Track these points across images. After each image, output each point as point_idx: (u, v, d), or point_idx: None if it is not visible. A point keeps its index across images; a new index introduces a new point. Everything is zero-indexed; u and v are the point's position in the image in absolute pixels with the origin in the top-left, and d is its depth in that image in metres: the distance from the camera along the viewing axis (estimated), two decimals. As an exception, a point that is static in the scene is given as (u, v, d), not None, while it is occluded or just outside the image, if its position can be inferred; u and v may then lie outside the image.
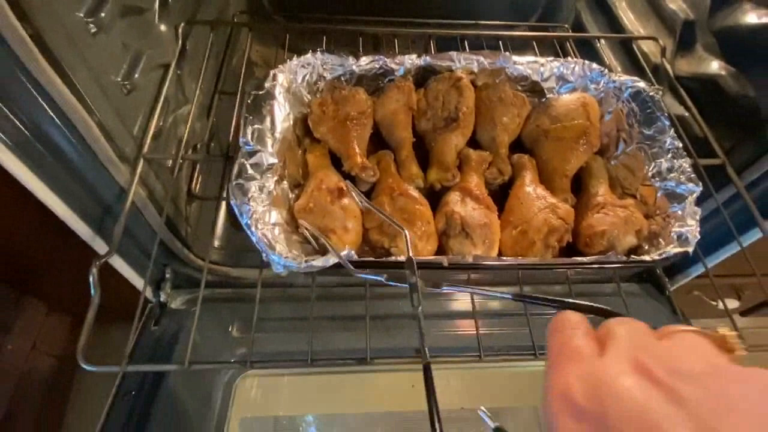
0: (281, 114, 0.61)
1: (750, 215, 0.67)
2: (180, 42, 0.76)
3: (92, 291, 0.53)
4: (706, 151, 0.72)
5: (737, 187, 0.68)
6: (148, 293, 0.82)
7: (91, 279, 0.52)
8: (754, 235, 0.72)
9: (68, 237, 0.65)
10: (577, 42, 1.07)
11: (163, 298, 0.82)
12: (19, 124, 0.50)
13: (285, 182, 0.59)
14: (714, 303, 1.13)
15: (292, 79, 0.65)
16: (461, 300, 0.76)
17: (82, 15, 0.52)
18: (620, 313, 0.29)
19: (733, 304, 1.17)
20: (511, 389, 0.82)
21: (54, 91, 0.49)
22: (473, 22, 1.17)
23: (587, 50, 1.07)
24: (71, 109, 0.52)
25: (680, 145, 0.61)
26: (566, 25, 1.21)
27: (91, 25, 0.53)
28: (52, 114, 0.51)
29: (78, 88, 0.51)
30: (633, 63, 0.93)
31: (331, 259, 0.49)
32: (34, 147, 0.53)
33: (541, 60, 0.70)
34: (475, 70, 0.69)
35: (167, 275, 0.82)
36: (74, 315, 1.20)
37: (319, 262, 0.48)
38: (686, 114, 0.78)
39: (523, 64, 0.70)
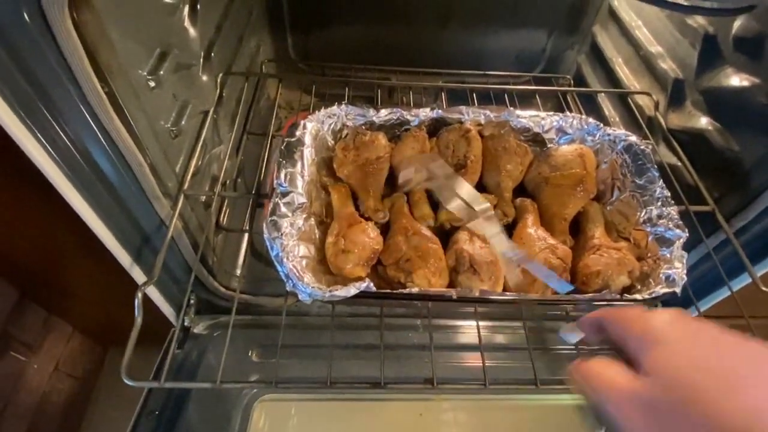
0: (309, 158, 0.68)
1: (740, 260, 0.71)
2: (218, 90, 0.85)
3: (136, 314, 0.59)
4: (697, 199, 0.78)
5: (726, 233, 0.74)
6: (172, 317, 0.88)
7: (136, 303, 0.58)
8: (744, 279, 0.76)
9: (103, 263, 0.71)
10: (578, 93, 1.16)
11: (187, 323, 0.87)
12: (79, 157, 0.57)
13: (312, 219, 0.66)
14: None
15: (320, 128, 0.73)
16: (468, 333, 0.81)
17: (145, 73, 0.61)
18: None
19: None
20: (517, 423, 0.85)
21: (117, 136, 0.57)
22: (481, 72, 1.27)
23: (588, 100, 1.16)
24: (129, 152, 0.59)
25: (668, 194, 0.67)
26: (568, 76, 1.30)
27: (151, 81, 0.62)
28: (111, 154, 0.58)
29: (137, 134, 0.59)
30: (629, 115, 1.00)
31: (352, 290, 0.54)
32: (91, 180, 0.60)
33: (542, 114, 0.78)
34: (482, 122, 0.77)
35: (191, 301, 0.88)
36: (95, 338, 1.26)
37: (341, 292, 0.54)
38: (678, 164, 0.84)
39: (526, 117, 0.78)
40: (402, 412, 0.76)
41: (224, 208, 0.94)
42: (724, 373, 0.24)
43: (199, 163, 0.78)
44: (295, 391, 0.71)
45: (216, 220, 0.92)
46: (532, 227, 0.68)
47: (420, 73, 1.25)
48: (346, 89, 0.92)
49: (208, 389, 0.77)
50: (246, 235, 1.02)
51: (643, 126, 0.92)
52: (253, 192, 0.77)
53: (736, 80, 0.76)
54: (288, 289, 0.58)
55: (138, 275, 0.73)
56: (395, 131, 0.78)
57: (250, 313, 0.91)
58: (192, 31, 0.74)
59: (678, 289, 0.58)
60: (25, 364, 1.02)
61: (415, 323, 0.80)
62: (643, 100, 0.98)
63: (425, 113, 0.76)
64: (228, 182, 0.95)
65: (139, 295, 0.59)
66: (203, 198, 0.81)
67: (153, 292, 0.79)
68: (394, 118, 0.76)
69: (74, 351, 1.18)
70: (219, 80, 0.86)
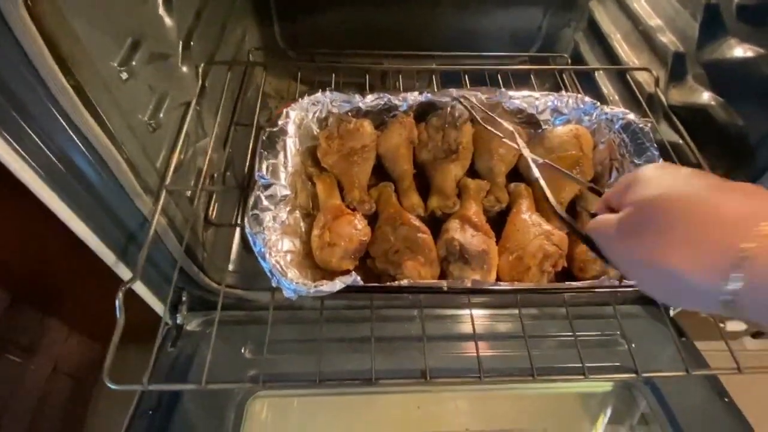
0: (293, 148, 0.66)
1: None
2: (200, 81, 0.82)
3: (117, 314, 0.57)
4: (699, 178, 0.75)
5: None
6: (166, 316, 0.86)
7: (117, 303, 0.57)
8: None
9: (92, 262, 0.69)
10: (576, 72, 1.12)
11: (179, 320, 0.86)
12: (54, 158, 0.55)
13: (297, 212, 0.64)
14: (722, 325, 1.14)
15: (304, 116, 0.70)
16: (463, 323, 0.79)
17: (115, 64, 0.58)
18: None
19: (740, 326, 1.17)
20: (514, 413, 0.84)
21: (89, 132, 0.55)
22: (476, 53, 1.23)
23: (585, 80, 1.12)
24: (103, 148, 0.57)
25: (669, 174, 0.64)
26: (565, 55, 1.26)
27: (123, 73, 0.59)
28: (85, 150, 0.56)
29: (110, 129, 0.57)
30: (629, 92, 0.97)
31: (338, 285, 0.52)
32: (67, 179, 0.58)
33: (536, 94, 0.75)
34: (468, 100, 0.74)
35: (183, 298, 0.87)
36: (93, 337, 1.25)
37: (326, 287, 0.52)
38: (680, 141, 0.81)
39: (519, 98, 0.74)
40: (398, 406, 0.75)
41: (213, 203, 0.92)
42: (683, 194, 0.30)
43: (182, 157, 0.75)
44: (277, 387, 0.69)
45: (205, 214, 0.90)
46: (526, 213, 0.65)
47: (412, 57, 1.21)
48: (334, 76, 0.89)
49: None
50: (237, 230, 1.00)
51: (643, 103, 0.89)
52: (241, 185, 0.75)
53: (740, 51, 0.73)
54: (273, 284, 0.56)
55: (124, 273, 0.72)
56: (383, 117, 0.75)
57: (243, 309, 0.89)
58: (168, 20, 0.71)
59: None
60: (22, 367, 1.02)
61: (410, 314, 0.78)
62: (642, 77, 0.95)
63: (413, 97, 0.73)
64: (216, 175, 0.92)
65: (120, 294, 0.57)
66: (188, 193, 0.79)
67: (143, 290, 0.78)
68: (381, 103, 0.73)
69: (72, 351, 1.18)
70: (201, 70, 0.83)
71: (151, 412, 0.75)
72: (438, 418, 0.75)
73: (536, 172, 0.49)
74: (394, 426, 0.75)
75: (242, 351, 0.81)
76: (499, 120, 0.62)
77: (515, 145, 0.54)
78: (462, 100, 0.65)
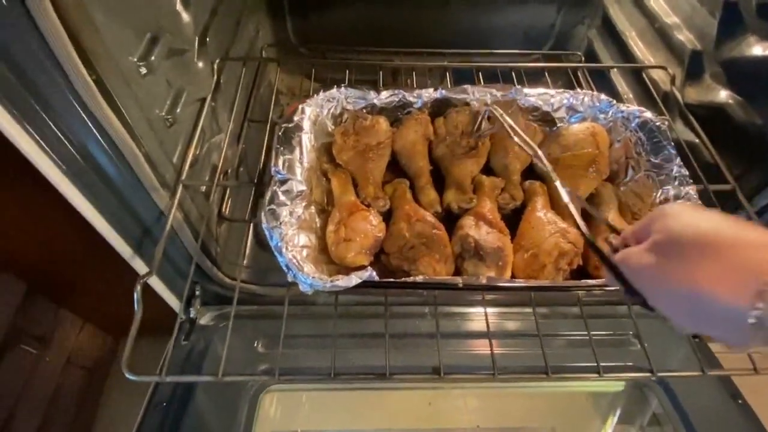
0: (308, 144, 0.66)
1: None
2: (215, 77, 0.83)
3: (135, 307, 0.58)
4: (716, 178, 0.74)
5: (748, 213, 0.70)
6: (178, 309, 0.87)
7: (135, 296, 0.57)
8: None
9: (108, 255, 0.70)
10: (590, 70, 1.11)
11: (192, 314, 0.86)
12: (74, 151, 0.56)
13: (312, 207, 0.64)
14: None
15: (318, 112, 0.70)
16: (477, 320, 0.79)
17: (135, 59, 0.58)
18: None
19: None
20: (527, 411, 0.84)
21: (108, 125, 0.55)
22: (488, 51, 1.22)
23: (600, 78, 1.11)
24: (122, 141, 0.57)
25: (686, 172, 0.64)
26: (579, 53, 1.25)
27: (143, 68, 0.60)
28: (104, 144, 0.57)
29: (129, 123, 0.57)
30: (644, 91, 0.96)
31: (354, 280, 0.52)
32: (86, 172, 0.59)
33: (551, 92, 0.74)
34: (489, 101, 0.73)
35: (197, 292, 0.87)
36: (106, 330, 1.27)
37: (342, 282, 0.52)
38: (696, 141, 0.80)
39: (534, 95, 0.74)
40: (411, 401, 0.75)
41: (226, 198, 0.93)
42: (711, 224, 0.31)
43: (197, 152, 0.76)
44: (299, 382, 0.70)
45: (218, 210, 0.91)
46: (541, 211, 0.65)
47: (424, 54, 1.20)
48: (346, 72, 0.89)
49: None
50: (251, 225, 1.01)
51: (659, 102, 0.88)
52: (255, 181, 0.75)
53: (759, 49, 0.72)
54: (289, 279, 0.56)
55: (140, 267, 0.72)
56: (397, 114, 0.75)
57: (256, 303, 0.89)
58: (185, 15, 0.71)
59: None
60: (37, 357, 1.03)
61: (423, 311, 0.78)
62: (658, 75, 0.94)
63: (428, 94, 0.73)
64: (230, 171, 0.93)
65: (138, 287, 0.58)
66: (203, 188, 0.79)
67: (157, 284, 0.79)
68: (396, 100, 0.73)
69: (85, 343, 1.19)
70: (216, 66, 0.83)
71: (165, 405, 0.76)
72: (449, 415, 0.76)
73: (566, 197, 0.48)
74: (405, 422, 0.76)
75: (255, 345, 0.81)
76: (525, 138, 0.60)
77: (543, 165, 0.53)
78: (493, 110, 0.64)
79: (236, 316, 0.87)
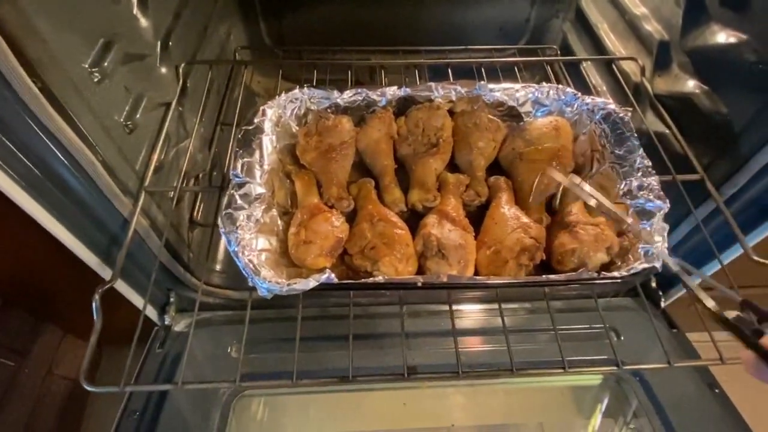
0: (270, 147, 0.65)
1: (731, 230, 0.67)
2: (181, 81, 0.82)
3: (95, 316, 0.57)
4: (686, 169, 0.74)
5: (716, 202, 0.70)
6: (154, 316, 0.86)
7: (93, 305, 0.57)
8: (737, 250, 0.73)
9: (78, 265, 0.70)
10: (565, 63, 1.11)
11: (167, 321, 0.86)
12: (29, 163, 0.55)
13: (274, 210, 0.63)
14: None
15: (281, 113, 0.70)
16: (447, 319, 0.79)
17: (86, 66, 0.58)
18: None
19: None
20: (504, 406, 0.84)
21: (61, 135, 0.54)
22: (464, 47, 1.21)
23: (574, 71, 1.11)
24: (77, 150, 0.57)
25: (649, 163, 0.64)
26: (555, 46, 1.24)
27: (96, 74, 0.59)
28: (59, 154, 0.56)
29: (83, 131, 0.57)
30: (616, 82, 0.95)
31: (311, 283, 0.52)
32: (44, 184, 0.58)
33: (516, 86, 0.74)
34: (453, 98, 0.73)
35: (171, 299, 0.87)
36: (88, 340, 1.26)
37: (299, 285, 0.52)
38: (666, 131, 0.80)
39: (499, 90, 0.73)
40: (385, 403, 0.75)
41: (198, 203, 0.92)
42: None
43: (162, 157, 0.75)
44: (261, 388, 0.69)
45: (190, 215, 0.90)
46: (505, 206, 0.65)
47: (400, 52, 1.20)
48: (316, 72, 0.89)
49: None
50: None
51: (629, 93, 0.87)
52: (221, 185, 0.75)
53: (723, 37, 0.71)
54: (249, 283, 0.56)
55: (108, 275, 0.72)
56: (362, 113, 0.74)
57: (231, 308, 0.89)
58: (143, 20, 0.71)
59: (658, 264, 0.54)
60: (16, 370, 1.02)
61: (394, 311, 0.77)
62: (629, 66, 0.93)
63: (392, 92, 0.73)
64: (201, 176, 0.92)
65: (97, 297, 0.57)
66: (171, 193, 0.79)
67: (128, 292, 0.78)
68: (360, 99, 0.73)
69: (67, 353, 1.18)
70: (181, 70, 0.82)
71: (138, 413, 0.75)
72: (425, 415, 0.75)
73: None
74: (380, 423, 0.75)
75: (229, 351, 0.81)
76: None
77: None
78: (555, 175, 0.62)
79: (213, 321, 0.88)
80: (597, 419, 0.89)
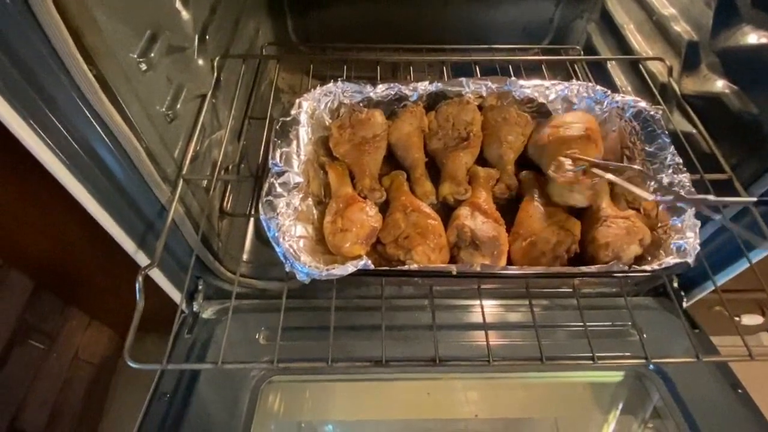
0: (305, 138, 0.67)
1: (760, 230, 0.68)
2: (215, 74, 0.84)
3: (137, 297, 0.59)
4: (713, 167, 0.74)
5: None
6: (183, 304, 0.89)
7: (137, 286, 0.59)
8: (766, 250, 0.73)
9: (113, 250, 0.72)
10: (588, 63, 1.12)
11: (195, 308, 0.88)
12: (77, 147, 0.57)
13: (309, 199, 0.65)
14: (737, 319, 1.12)
15: (316, 106, 0.71)
16: (475, 312, 0.80)
17: (135, 56, 0.60)
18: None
19: (756, 320, 1.15)
20: (526, 401, 0.84)
21: (110, 121, 0.56)
22: (487, 46, 1.22)
23: (598, 71, 1.11)
24: (124, 136, 0.59)
25: (680, 160, 0.64)
26: (578, 47, 1.25)
27: (143, 64, 0.61)
28: (107, 139, 0.58)
29: (130, 119, 0.59)
30: (642, 83, 0.96)
31: (349, 268, 0.54)
32: (90, 168, 0.60)
33: (546, 83, 0.75)
34: (484, 94, 0.74)
35: (200, 287, 0.89)
36: (112, 326, 1.29)
37: (338, 270, 0.53)
38: (694, 131, 0.80)
39: (530, 87, 0.75)
40: (409, 392, 0.76)
41: (228, 194, 0.94)
42: None
43: (198, 147, 0.77)
44: (296, 372, 0.71)
45: (220, 205, 0.92)
46: (538, 200, 0.65)
47: (424, 50, 1.21)
48: (345, 68, 0.90)
49: (217, 372, 0.77)
50: (252, 220, 1.02)
51: (656, 93, 0.88)
52: (255, 175, 0.76)
53: (755, 38, 0.72)
54: (287, 269, 0.57)
55: (143, 261, 0.74)
56: (394, 107, 0.76)
57: (258, 297, 0.91)
58: (184, 13, 0.73)
59: (690, 260, 0.55)
60: (45, 353, 1.05)
61: (421, 303, 0.79)
62: (655, 67, 0.94)
63: (424, 87, 0.74)
64: (230, 167, 0.94)
65: (140, 278, 0.59)
66: (204, 183, 0.81)
67: (160, 278, 0.80)
68: (392, 93, 0.74)
69: (92, 339, 1.21)
70: (216, 64, 0.85)
71: (168, 396, 0.77)
72: (448, 405, 0.76)
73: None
74: (404, 411, 0.76)
75: (257, 337, 0.83)
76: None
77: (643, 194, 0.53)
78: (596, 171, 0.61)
79: (239, 309, 0.90)
80: (614, 416, 0.90)
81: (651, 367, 0.77)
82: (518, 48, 1.25)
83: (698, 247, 0.56)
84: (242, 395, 0.75)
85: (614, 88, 1.04)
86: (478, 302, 0.65)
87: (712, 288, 0.87)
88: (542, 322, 0.64)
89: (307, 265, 0.54)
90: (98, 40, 0.52)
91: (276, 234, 0.56)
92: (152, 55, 0.62)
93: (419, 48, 1.20)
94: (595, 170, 0.59)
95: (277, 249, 0.56)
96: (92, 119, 0.55)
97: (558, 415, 0.85)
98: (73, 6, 0.48)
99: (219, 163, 0.82)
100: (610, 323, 0.83)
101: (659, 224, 0.61)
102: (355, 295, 0.84)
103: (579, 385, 0.85)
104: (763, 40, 0.70)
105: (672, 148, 0.65)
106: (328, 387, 0.78)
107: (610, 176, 0.57)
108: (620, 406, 0.89)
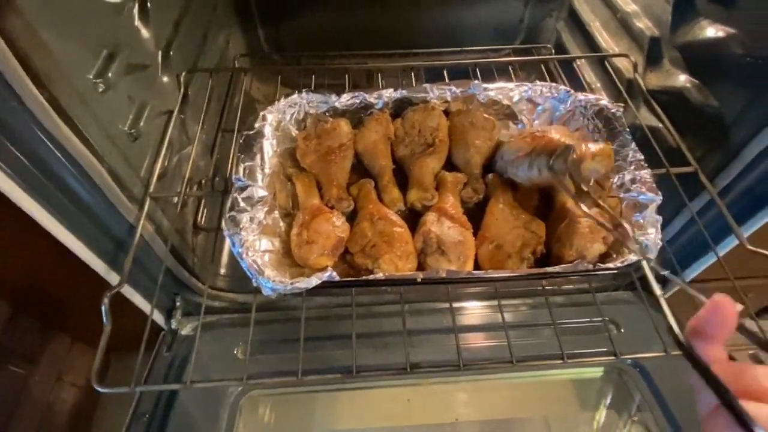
0: (270, 150, 0.67)
1: (725, 222, 0.69)
2: (182, 89, 0.84)
3: (104, 319, 0.58)
4: (680, 162, 0.75)
5: (710, 193, 0.71)
6: (160, 321, 0.88)
7: (103, 309, 0.58)
8: (732, 242, 0.74)
9: (85, 272, 0.71)
10: (560, 61, 1.13)
11: (174, 325, 0.87)
12: (37, 172, 0.57)
13: (276, 212, 0.65)
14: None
15: (281, 118, 0.71)
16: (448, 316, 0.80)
17: (91, 77, 0.59)
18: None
19: (737, 306, 1.16)
20: (508, 401, 0.85)
21: (68, 144, 0.56)
22: (459, 49, 1.23)
23: (569, 69, 1.12)
24: (84, 159, 0.58)
25: (641, 157, 0.65)
26: (549, 45, 1.26)
27: (100, 85, 0.61)
28: (66, 163, 0.58)
29: (89, 140, 0.58)
30: (610, 79, 0.97)
31: (314, 281, 0.53)
32: (51, 192, 0.59)
33: (510, 85, 0.75)
34: (449, 98, 0.75)
35: (178, 304, 0.88)
36: (96, 347, 1.27)
37: (302, 284, 0.53)
38: (660, 125, 0.81)
39: (494, 89, 0.75)
40: (389, 400, 0.76)
41: (201, 209, 0.93)
42: None
43: (166, 164, 0.77)
44: (268, 386, 0.71)
45: (194, 220, 0.92)
46: (504, 202, 0.66)
47: (397, 55, 1.22)
48: (314, 77, 0.90)
49: (195, 390, 0.77)
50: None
51: (623, 89, 0.89)
52: (224, 190, 0.76)
53: (712, 32, 0.73)
54: (254, 284, 0.57)
55: (115, 280, 0.73)
56: (360, 115, 0.76)
57: (236, 311, 0.90)
58: (144, 31, 0.72)
59: (652, 256, 0.56)
60: (25, 377, 1.04)
61: (395, 309, 0.79)
62: (622, 63, 0.95)
63: (389, 94, 0.74)
64: (204, 181, 0.94)
65: (106, 300, 0.59)
66: (175, 199, 0.80)
67: (134, 297, 0.79)
68: (357, 102, 0.74)
69: (75, 361, 1.19)
70: (182, 79, 0.84)
71: (147, 416, 0.76)
72: (429, 411, 0.76)
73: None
74: (386, 419, 0.76)
75: (235, 352, 0.82)
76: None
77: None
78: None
79: (217, 324, 0.89)
80: (602, 412, 0.90)
81: (628, 361, 0.78)
82: (491, 49, 1.26)
83: (660, 243, 0.57)
84: (221, 411, 0.75)
85: (583, 86, 1.05)
86: (448, 306, 0.65)
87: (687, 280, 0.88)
88: (514, 322, 0.64)
89: (271, 280, 0.54)
90: (48, 63, 0.51)
91: (240, 250, 0.56)
92: (110, 75, 0.62)
93: (392, 53, 1.21)
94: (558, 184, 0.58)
95: (242, 264, 0.56)
96: (49, 143, 0.55)
97: (541, 414, 0.85)
98: (19, 30, 0.47)
99: (189, 179, 0.81)
100: (588, 319, 0.83)
101: (622, 219, 0.61)
102: (332, 304, 0.84)
103: (560, 383, 0.85)
104: (720, 34, 0.71)
105: (633, 145, 0.66)
106: (308, 398, 0.78)
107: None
108: (604, 402, 0.89)
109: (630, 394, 0.83)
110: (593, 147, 0.60)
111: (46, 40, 0.51)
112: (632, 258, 0.56)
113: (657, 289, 0.38)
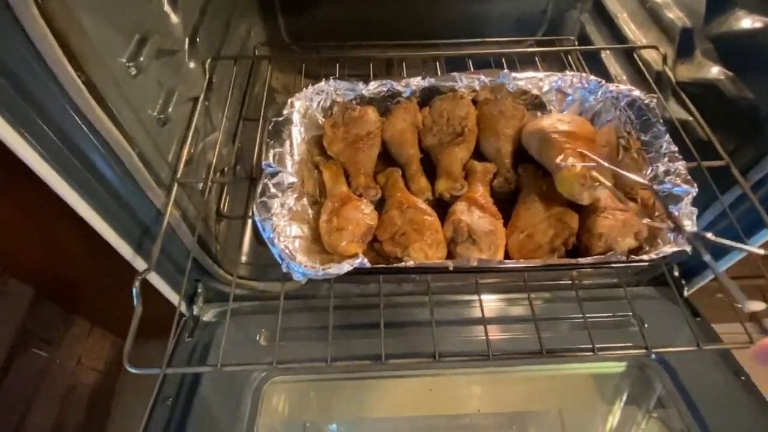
0: (299, 137, 0.67)
1: (758, 216, 0.67)
2: (207, 76, 0.84)
3: (135, 302, 0.59)
4: (710, 155, 0.73)
5: (743, 187, 0.70)
6: (182, 307, 0.89)
7: (134, 291, 0.59)
8: (764, 236, 0.73)
9: (111, 258, 0.72)
10: (583, 54, 1.11)
11: (195, 311, 0.88)
12: (70, 154, 0.57)
13: (304, 199, 0.65)
14: (738, 306, 1.12)
15: (308, 105, 0.71)
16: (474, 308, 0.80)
17: (124, 60, 0.60)
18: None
19: (758, 306, 1.15)
20: (528, 394, 0.84)
21: (101, 127, 0.56)
22: (481, 40, 1.22)
23: (592, 61, 1.11)
24: (116, 142, 0.59)
25: (675, 148, 0.64)
26: (572, 37, 1.24)
27: (132, 69, 0.61)
28: (98, 145, 0.58)
29: (122, 124, 0.58)
30: (636, 72, 0.95)
31: (345, 267, 0.53)
32: (83, 174, 0.60)
33: (540, 75, 0.75)
34: (477, 88, 0.74)
35: (199, 290, 0.89)
36: (115, 332, 1.29)
37: (334, 269, 0.53)
38: (690, 118, 0.80)
39: (523, 79, 0.74)
40: (411, 389, 0.76)
41: (224, 196, 0.94)
42: None
43: (192, 150, 0.77)
44: (297, 372, 0.71)
45: (216, 208, 0.92)
46: (537, 192, 0.65)
47: (417, 46, 1.20)
48: (338, 67, 0.90)
49: (219, 375, 0.77)
50: (249, 222, 1.02)
51: (651, 82, 0.87)
52: (249, 176, 0.76)
53: (748, 22, 0.71)
54: (283, 270, 0.57)
55: (141, 266, 0.74)
56: (387, 104, 0.75)
57: (257, 299, 0.91)
58: (173, 16, 0.72)
59: (688, 248, 0.55)
60: (47, 360, 1.05)
61: (421, 300, 0.79)
62: (650, 55, 0.93)
63: (417, 83, 0.74)
64: (226, 169, 0.94)
65: (137, 283, 0.59)
66: (200, 186, 0.81)
67: (159, 283, 0.80)
68: (385, 90, 0.74)
69: (95, 345, 1.21)
70: (207, 66, 0.84)
71: (171, 399, 0.77)
72: (450, 401, 0.76)
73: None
74: (407, 408, 0.76)
75: (257, 339, 0.83)
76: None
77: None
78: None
79: (239, 312, 0.90)
80: (618, 407, 0.90)
81: (653, 356, 0.77)
82: (512, 41, 1.24)
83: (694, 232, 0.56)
84: (245, 397, 0.75)
85: (609, 78, 1.03)
86: (476, 297, 0.65)
87: (713, 276, 0.87)
88: (542, 315, 0.64)
89: (303, 265, 0.54)
90: (85, 45, 0.51)
91: (271, 235, 0.56)
92: (142, 59, 0.62)
93: (413, 44, 1.20)
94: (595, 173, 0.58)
95: (273, 250, 0.56)
96: (83, 126, 0.55)
97: (561, 407, 0.85)
98: (58, 13, 0.47)
99: (214, 166, 0.82)
100: (612, 314, 0.83)
101: (656, 213, 0.60)
102: (353, 294, 0.84)
103: (581, 377, 0.85)
104: (757, 25, 0.69)
105: (667, 137, 0.65)
106: (331, 386, 0.78)
107: (607, 183, 0.56)
108: (623, 397, 0.89)
109: (650, 390, 0.82)
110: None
111: (84, 23, 0.51)
112: (667, 250, 0.55)
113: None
